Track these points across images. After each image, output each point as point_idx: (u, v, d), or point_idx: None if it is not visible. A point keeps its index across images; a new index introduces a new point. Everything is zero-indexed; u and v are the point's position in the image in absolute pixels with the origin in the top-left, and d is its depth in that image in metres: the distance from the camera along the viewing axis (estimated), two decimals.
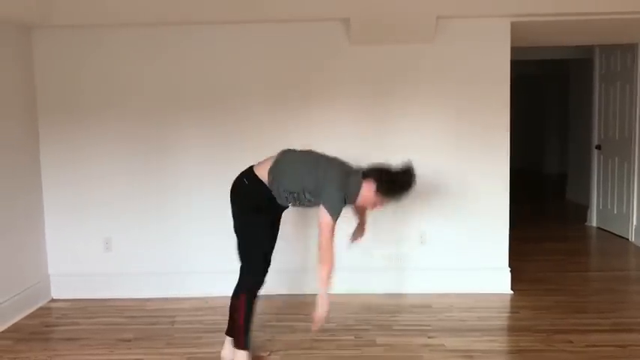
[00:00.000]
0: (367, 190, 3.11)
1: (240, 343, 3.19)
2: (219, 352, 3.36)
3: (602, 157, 6.80)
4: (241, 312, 3.15)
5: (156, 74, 4.46)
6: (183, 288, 4.53)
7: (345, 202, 3.10)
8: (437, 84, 4.44)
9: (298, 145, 3.43)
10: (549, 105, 11.97)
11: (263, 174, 3.17)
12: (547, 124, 12.09)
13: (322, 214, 3.03)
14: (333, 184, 3.05)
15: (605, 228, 6.68)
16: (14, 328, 3.97)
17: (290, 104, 4.46)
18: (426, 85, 4.44)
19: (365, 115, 4.47)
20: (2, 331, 3.90)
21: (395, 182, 3.10)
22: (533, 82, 11.37)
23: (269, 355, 3.44)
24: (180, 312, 4.18)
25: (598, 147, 6.84)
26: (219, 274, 4.49)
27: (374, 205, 3.19)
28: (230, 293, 3.21)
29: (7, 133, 4.11)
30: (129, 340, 3.67)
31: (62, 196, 4.53)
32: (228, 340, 3.32)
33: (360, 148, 4.33)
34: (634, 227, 6.07)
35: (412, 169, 3.12)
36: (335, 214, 3.03)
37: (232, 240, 4.20)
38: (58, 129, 4.48)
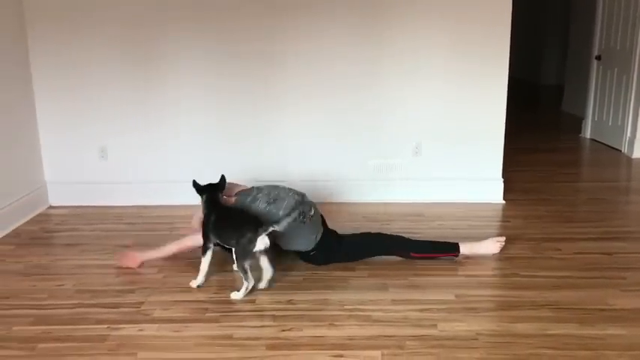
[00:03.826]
0: None
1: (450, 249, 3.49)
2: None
3: (601, 67, 6.71)
4: (426, 255, 3.46)
5: None
6: (181, 196, 4.54)
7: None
8: None
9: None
10: (550, 14, 11.65)
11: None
12: (547, 33, 11.82)
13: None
14: None
15: (598, 140, 6.71)
16: (14, 234, 4.03)
17: (280, 14, 4.30)
18: None
19: (360, 20, 4.36)
20: (3, 236, 3.97)
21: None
22: None
23: None
24: (179, 219, 4.23)
25: (598, 57, 6.74)
26: None
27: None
28: None
29: None
30: (128, 246, 3.73)
31: (55, 104, 4.48)
32: None
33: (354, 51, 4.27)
34: (627, 139, 6.10)
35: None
36: None
37: (231, 150, 4.28)
38: (48, 35, 4.34)
